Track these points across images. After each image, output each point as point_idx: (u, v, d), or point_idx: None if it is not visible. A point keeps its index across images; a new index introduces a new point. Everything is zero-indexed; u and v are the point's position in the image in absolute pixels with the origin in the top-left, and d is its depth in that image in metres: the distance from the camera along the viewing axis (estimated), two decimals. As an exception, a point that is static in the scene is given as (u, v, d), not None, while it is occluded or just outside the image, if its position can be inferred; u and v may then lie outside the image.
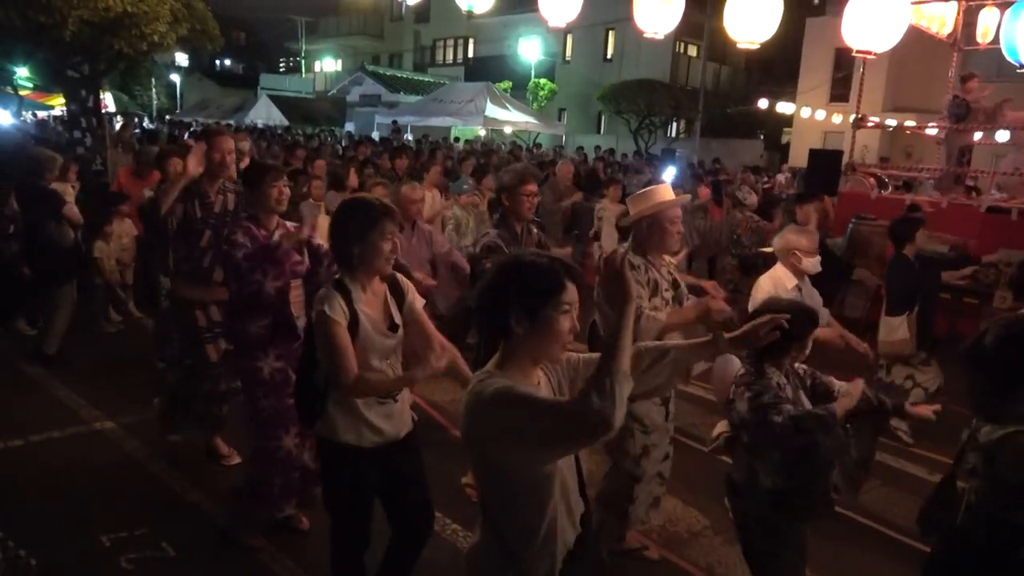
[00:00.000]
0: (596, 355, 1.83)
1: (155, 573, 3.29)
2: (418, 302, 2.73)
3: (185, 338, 4.12)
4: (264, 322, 3.31)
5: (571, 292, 1.73)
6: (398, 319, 2.63)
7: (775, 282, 3.82)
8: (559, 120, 28.60)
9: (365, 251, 2.49)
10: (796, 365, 2.74)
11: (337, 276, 2.58)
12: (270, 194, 3.32)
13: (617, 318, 1.66)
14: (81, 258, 6.01)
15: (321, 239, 3.43)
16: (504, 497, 1.78)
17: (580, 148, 20.88)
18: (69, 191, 6.35)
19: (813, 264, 3.84)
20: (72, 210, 5.86)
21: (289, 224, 3.50)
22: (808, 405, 2.64)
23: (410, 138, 21.03)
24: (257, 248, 3.25)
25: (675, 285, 3.30)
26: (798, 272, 3.84)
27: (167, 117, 29.19)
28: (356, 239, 2.49)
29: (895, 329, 4.98)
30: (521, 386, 1.68)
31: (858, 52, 6.47)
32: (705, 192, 9.53)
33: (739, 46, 6.04)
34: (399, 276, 2.73)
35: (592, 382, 1.56)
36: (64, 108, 20.57)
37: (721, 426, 2.84)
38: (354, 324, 2.47)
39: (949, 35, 9.72)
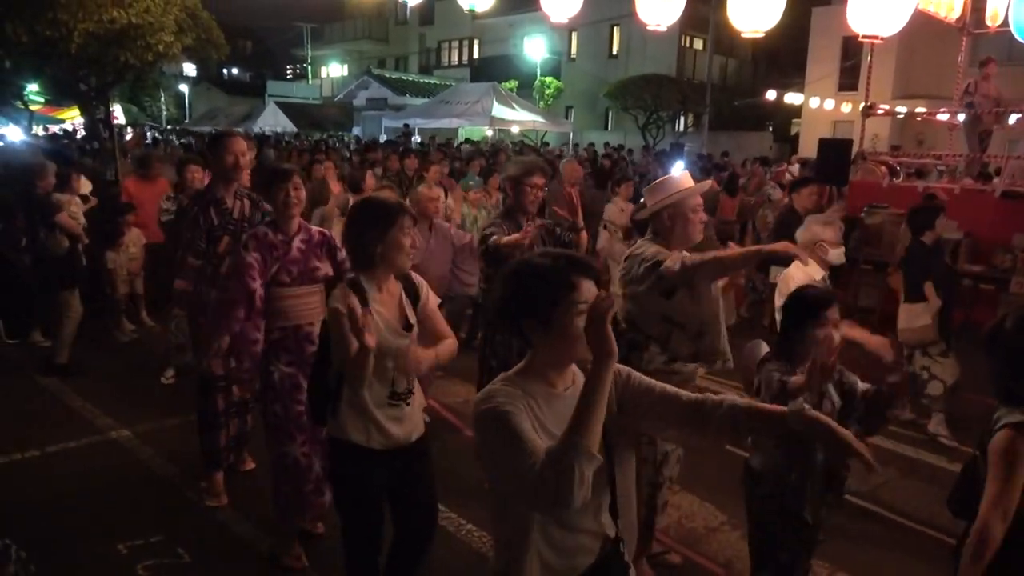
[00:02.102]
0: (652, 384, 1.74)
1: (172, 580, 3.30)
2: (432, 301, 2.72)
3: (196, 346, 4.09)
4: (271, 325, 3.30)
5: (584, 290, 1.60)
6: (412, 319, 2.63)
7: (806, 274, 3.74)
8: (566, 118, 28.55)
9: (384, 249, 2.50)
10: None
11: (352, 276, 2.58)
12: (278, 198, 3.30)
13: (591, 379, 1.47)
14: (78, 268, 5.96)
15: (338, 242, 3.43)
16: (494, 507, 1.75)
17: (591, 144, 20.82)
18: (75, 202, 6.41)
19: (838, 255, 3.84)
20: (67, 220, 5.82)
21: (313, 228, 3.48)
22: (836, 399, 2.64)
23: (418, 140, 21.06)
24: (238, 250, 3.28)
25: None
26: (823, 264, 3.82)
27: (167, 126, 29.35)
28: (373, 238, 2.50)
29: (917, 316, 4.92)
30: (516, 417, 1.55)
31: (864, 37, 6.40)
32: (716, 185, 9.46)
33: (743, 35, 6.00)
34: (414, 275, 2.72)
35: (553, 458, 1.44)
36: (73, 122, 20.85)
37: None
38: None
39: (958, 19, 9.60)
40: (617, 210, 7.50)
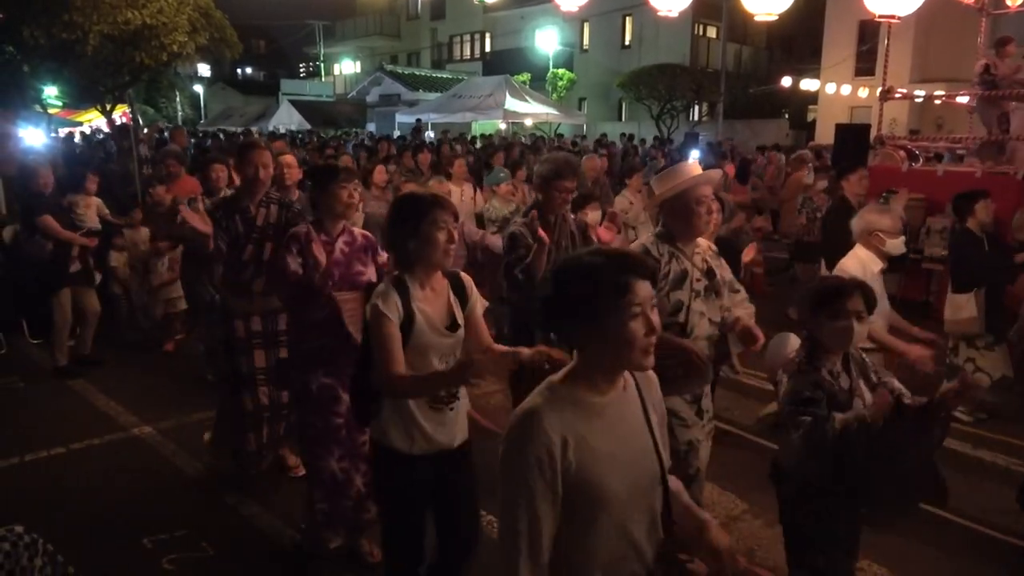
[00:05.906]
0: None
1: (196, 573, 3.33)
2: (479, 306, 2.61)
3: (226, 348, 3.97)
4: (315, 336, 3.18)
5: (640, 291, 1.49)
6: (459, 319, 2.52)
7: (863, 266, 3.53)
8: (579, 110, 28.43)
9: (420, 245, 2.39)
10: (859, 353, 2.56)
11: (396, 273, 2.47)
12: (340, 195, 3.18)
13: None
14: (63, 271, 5.74)
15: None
16: None
17: (604, 135, 20.70)
18: (87, 203, 6.47)
19: (896, 245, 3.59)
20: (50, 222, 5.59)
21: (356, 230, 3.38)
22: (868, 396, 2.48)
23: (431, 135, 21.04)
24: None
25: (710, 274, 2.96)
26: (881, 255, 3.59)
27: (172, 128, 29.52)
28: (410, 233, 2.40)
29: (961, 307, 4.72)
30: (534, 480, 1.47)
31: (881, 17, 6.30)
32: (731, 171, 9.39)
33: (756, 19, 5.93)
34: (463, 275, 2.62)
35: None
36: (90, 124, 21.04)
37: (772, 406, 2.71)
38: (408, 323, 2.37)
39: (977, 0, 9.43)
40: (627, 202, 7.36)
